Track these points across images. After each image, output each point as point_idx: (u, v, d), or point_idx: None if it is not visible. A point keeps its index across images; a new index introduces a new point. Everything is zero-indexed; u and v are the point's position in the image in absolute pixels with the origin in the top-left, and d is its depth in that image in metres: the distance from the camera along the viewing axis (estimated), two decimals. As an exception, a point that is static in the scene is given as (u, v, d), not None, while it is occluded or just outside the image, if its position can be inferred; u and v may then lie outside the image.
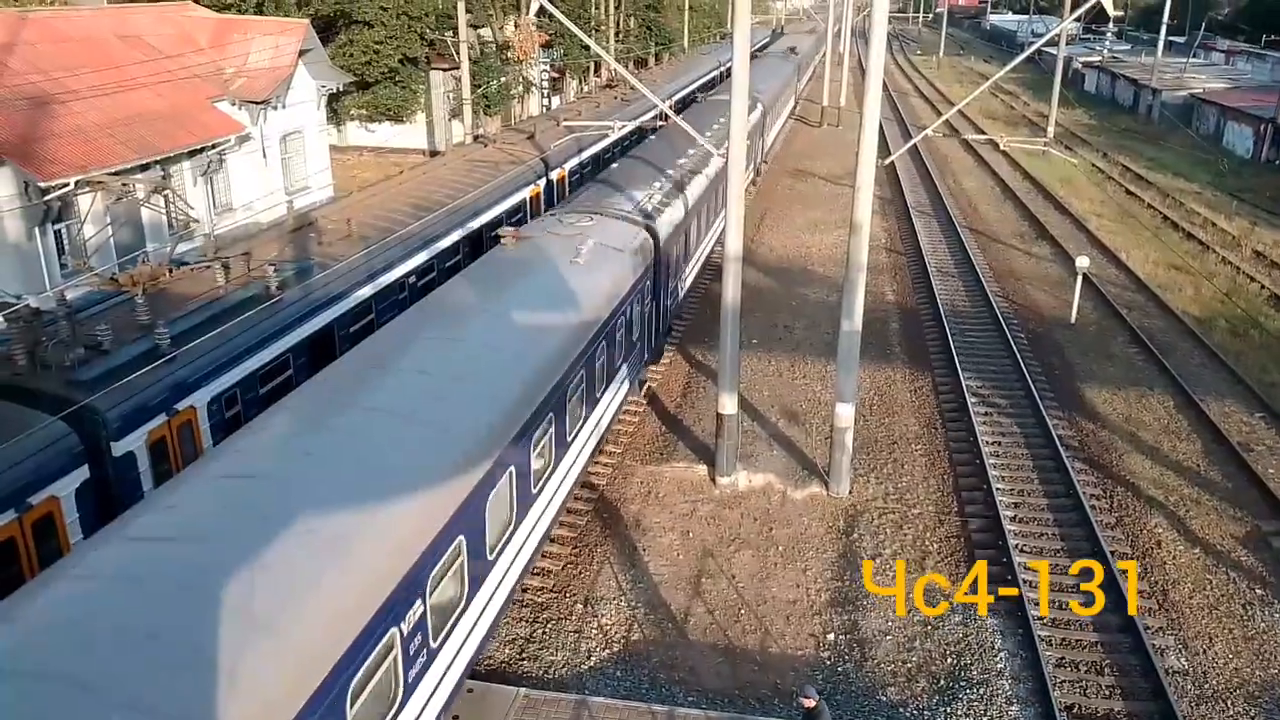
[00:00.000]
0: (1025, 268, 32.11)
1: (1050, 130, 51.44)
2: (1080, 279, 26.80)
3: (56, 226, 23.73)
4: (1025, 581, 14.98)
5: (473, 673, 11.86)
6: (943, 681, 13.22)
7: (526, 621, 14.22)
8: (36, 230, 22.93)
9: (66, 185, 22.93)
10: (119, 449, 12.18)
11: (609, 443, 18.81)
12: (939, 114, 61.92)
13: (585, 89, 63.91)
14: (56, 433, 11.37)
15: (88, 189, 23.25)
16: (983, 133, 51.47)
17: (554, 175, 28.41)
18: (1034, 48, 22.70)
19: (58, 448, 11.34)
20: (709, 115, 31.73)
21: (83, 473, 11.59)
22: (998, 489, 17.62)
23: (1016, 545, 16.03)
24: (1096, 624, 14.31)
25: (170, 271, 15.84)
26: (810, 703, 10.25)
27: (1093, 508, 17.10)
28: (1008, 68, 23.12)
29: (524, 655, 13.62)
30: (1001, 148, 25.44)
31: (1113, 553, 15.72)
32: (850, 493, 17.77)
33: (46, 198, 22.70)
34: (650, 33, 75.63)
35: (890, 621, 14.37)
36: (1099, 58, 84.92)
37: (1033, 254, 33.76)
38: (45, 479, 11.12)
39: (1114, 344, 25.15)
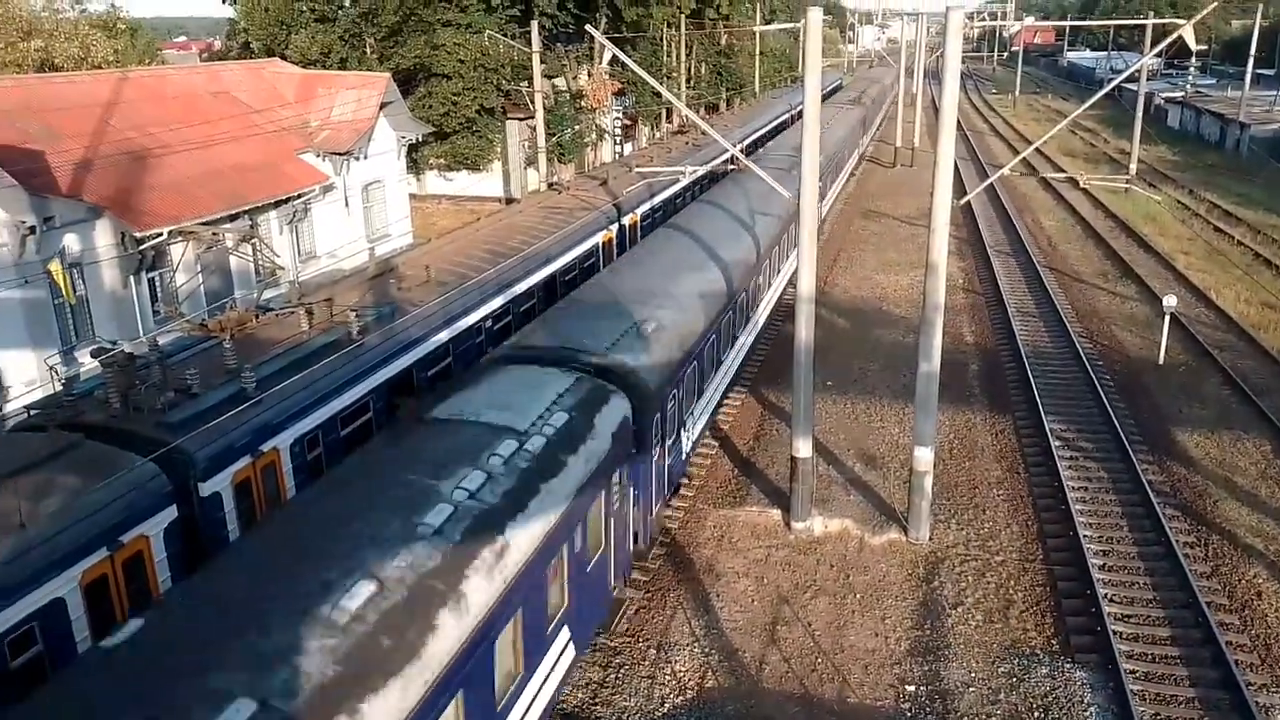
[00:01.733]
0: (1109, 307, 31.25)
1: (1133, 167, 50.45)
2: (1168, 319, 25.97)
3: (150, 275, 24.73)
4: (1115, 633, 14.40)
5: (549, 716, 11.80)
6: (1030, 737, 12.72)
7: (599, 666, 14.13)
8: (132, 278, 23.93)
9: (160, 235, 23.93)
10: (206, 489, 12.53)
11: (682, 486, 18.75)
12: (1016, 153, 61.08)
13: (657, 135, 64.63)
14: (147, 473, 11.75)
15: (180, 239, 24.24)
16: (1062, 171, 50.55)
17: (626, 220, 28.71)
18: (1114, 84, 22.27)
19: (148, 488, 11.71)
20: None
21: (171, 512, 11.94)
22: (1085, 536, 17.02)
23: (1106, 595, 15.43)
24: (1193, 678, 13.65)
25: (256, 317, 16.34)
26: None
27: (1186, 556, 16.40)
28: (1087, 104, 22.69)
29: (597, 700, 13.51)
30: (1082, 185, 24.98)
31: (1209, 604, 15.02)
32: (930, 539, 17.34)
33: (141, 247, 23.71)
34: (721, 78, 76.33)
35: (973, 673, 13.91)
36: (1182, 93, 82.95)
37: (1117, 293, 32.87)
38: (136, 518, 11.47)
39: (1205, 385, 24.24)
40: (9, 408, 20.50)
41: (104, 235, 23.19)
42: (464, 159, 50.93)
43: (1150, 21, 44.54)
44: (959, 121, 17.94)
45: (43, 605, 10.31)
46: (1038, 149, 54.46)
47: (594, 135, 57.31)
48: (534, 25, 38.88)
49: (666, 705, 13.37)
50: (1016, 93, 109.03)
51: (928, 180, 17.27)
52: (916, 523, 17.26)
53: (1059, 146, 65.89)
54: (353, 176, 33.49)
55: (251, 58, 44.14)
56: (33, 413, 13.35)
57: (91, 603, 10.89)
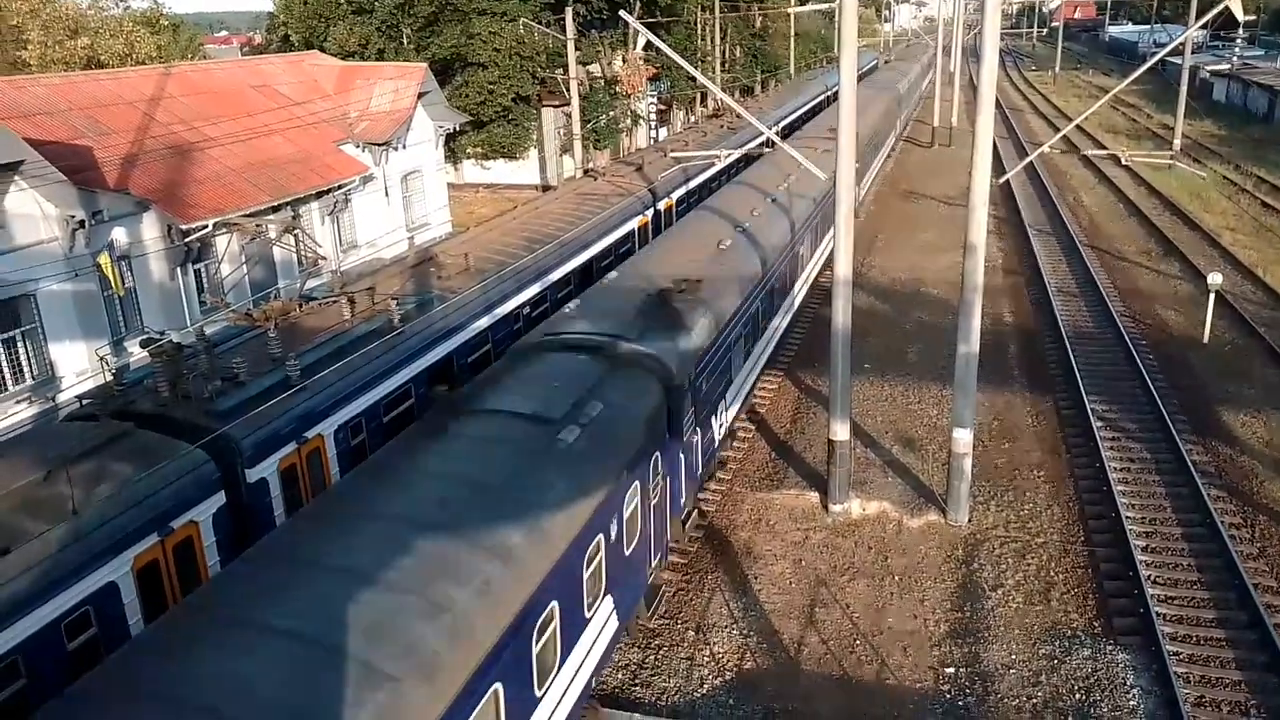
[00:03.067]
0: (1152, 286, 30.75)
1: (1177, 142, 49.45)
2: (1213, 296, 25.51)
3: (196, 266, 25.21)
4: (1159, 615, 14.27)
5: (589, 695, 11.98)
6: (1070, 719, 12.67)
7: (639, 647, 14.28)
8: (178, 270, 24.42)
9: (205, 227, 24.38)
10: (253, 476, 12.82)
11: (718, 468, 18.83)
12: (1056, 130, 60.07)
13: (692, 119, 64.43)
14: (196, 460, 12.05)
15: (224, 230, 24.67)
16: (1103, 148, 49.67)
17: (661, 205, 28.72)
18: (1157, 58, 21.86)
19: (197, 475, 12.01)
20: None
21: (219, 498, 12.24)
22: (1128, 517, 16.85)
23: (1149, 577, 15.29)
24: (1239, 661, 13.51)
25: (300, 306, 16.62)
26: None
27: (1232, 537, 16.18)
28: (1129, 80, 22.29)
29: (637, 681, 13.67)
30: (1124, 162, 24.52)
31: (1255, 585, 14.83)
32: (969, 521, 17.27)
33: (187, 239, 24.17)
34: (756, 60, 75.83)
35: (1013, 654, 13.87)
36: (1228, 65, 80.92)
37: (1160, 271, 32.33)
38: (185, 504, 11.78)
39: (1252, 365, 23.80)
40: (62, 397, 21.07)
41: (151, 228, 23.67)
42: (500, 147, 51.19)
43: (1196, -8, 43.53)
44: (998, 99, 17.70)
45: (97, 589, 10.65)
46: (1078, 126, 53.54)
47: (629, 121, 57.27)
48: (568, 12, 38.95)
49: (705, 686, 13.50)
50: (1056, 69, 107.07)
51: (966, 159, 17.10)
52: (955, 505, 17.19)
53: (1100, 123, 64.71)
54: (392, 166, 33.81)
55: (291, 51, 44.69)
56: (84, 402, 13.72)
57: (143, 587, 11.22)
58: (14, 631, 9.75)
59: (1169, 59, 72.64)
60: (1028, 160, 22.32)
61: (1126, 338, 25.27)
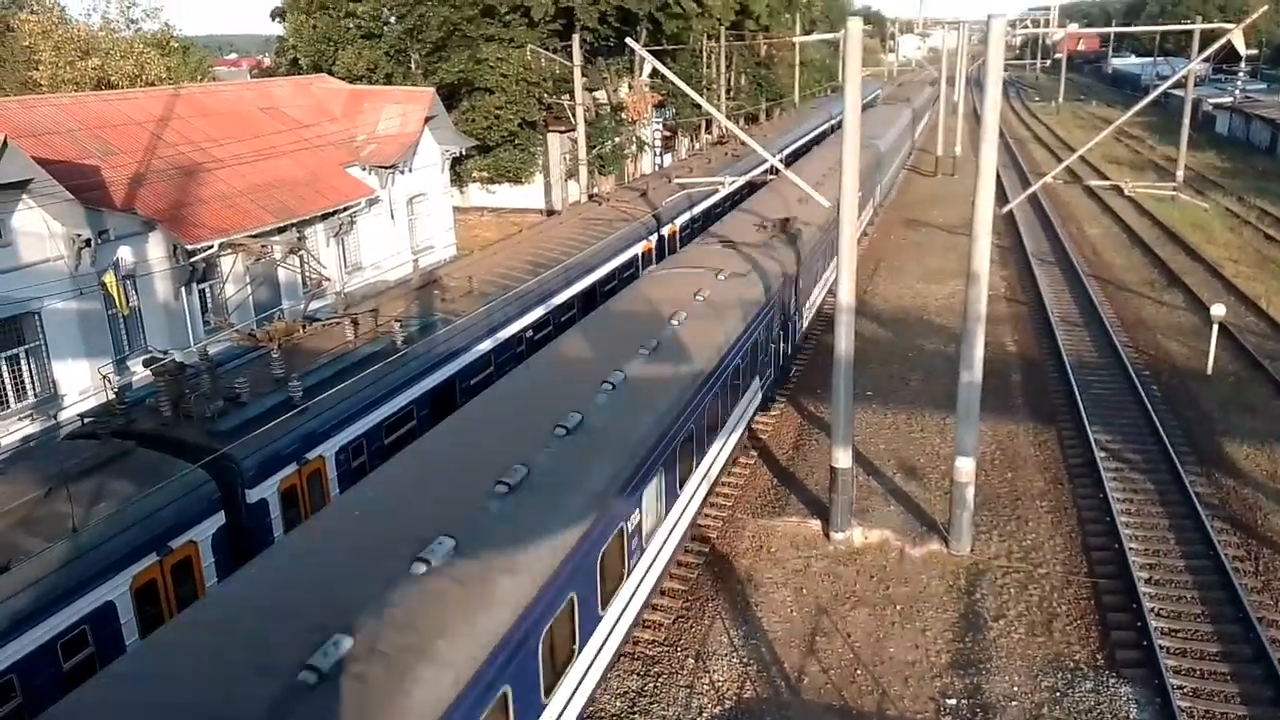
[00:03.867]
0: (1155, 317, 30.76)
1: (1179, 174, 49.61)
2: (1216, 328, 25.51)
3: (201, 286, 25.30)
4: (1162, 648, 14.16)
5: (585, 724, 11.88)
6: (1074, 751, 12.55)
7: (638, 675, 14.18)
8: (183, 290, 24.50)
9: (210, 248, 24.49)
10: (253, 496, 12.80)
11: (717, 494, 18.75)
12: (1059, 160, 60.34)
13: (697, 145, 64.76)
14: (196, 480, 12.04)
15: (229, 251, 24.77)
16: (1106, 179, 49.84)
17: (665, 231, 28.84)
18: (1160, 90, 21.97)
19: (197, 495, 12.00)
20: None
21: (219, 519, 12.22)
22: (1131, 549, 16.76)
23: (1152, 609, 15.18)
24: (1243, 695, 13.39)
25: (304, 327, 16.67)
26: None
27: (1236, 570, 16.08)
28: (1132, 111, 22.38)
29: (635, 709, 13.56)
30: (1127, 193, 24.61)
31: (1260, 619, 14.72)
32: (972, 550, 17.18)
33: (192, 259, 24.27)
34: (761, 88, 76.31)
35: (1015, 686, 13.76)
36: (1231, 99, 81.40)
37: (1164, 303, 32.34)
38: (185, 524, 11.77)
39: (1255, 397, 23.74)
40: (64, 415, 21.08)
41: (156, 248, 23.77)
42: (506, 172, 51.46)
43: (1198, 26, 43.66)
44: (1001, 129, 17.78)
45: (95, 608, 10.61)
46: (1082, 156, 53.79)
47: (634, 147, 57.59)
48: (575, 39, 39.24)
49: (705, 715, 13.38)
50: (1060, 100, 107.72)
51: (970, 189, 17.15)
52: (958, 534, 17.11)
53: (1103, 154, 64.98)
54: (398, 189, 33.99)
55: (300, 74, 45.01)
56: (87, 420, 13.74)
57: (141, 606, 11.17)
58: (10, 650, 9.70)
59: (1172, 91, 73.15)
60: (1031, 190, 22.39)
61: (1130, 368, 25.24)
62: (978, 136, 16.94)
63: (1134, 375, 24.68)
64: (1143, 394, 23.35)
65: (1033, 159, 69.05)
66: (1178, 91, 69.46)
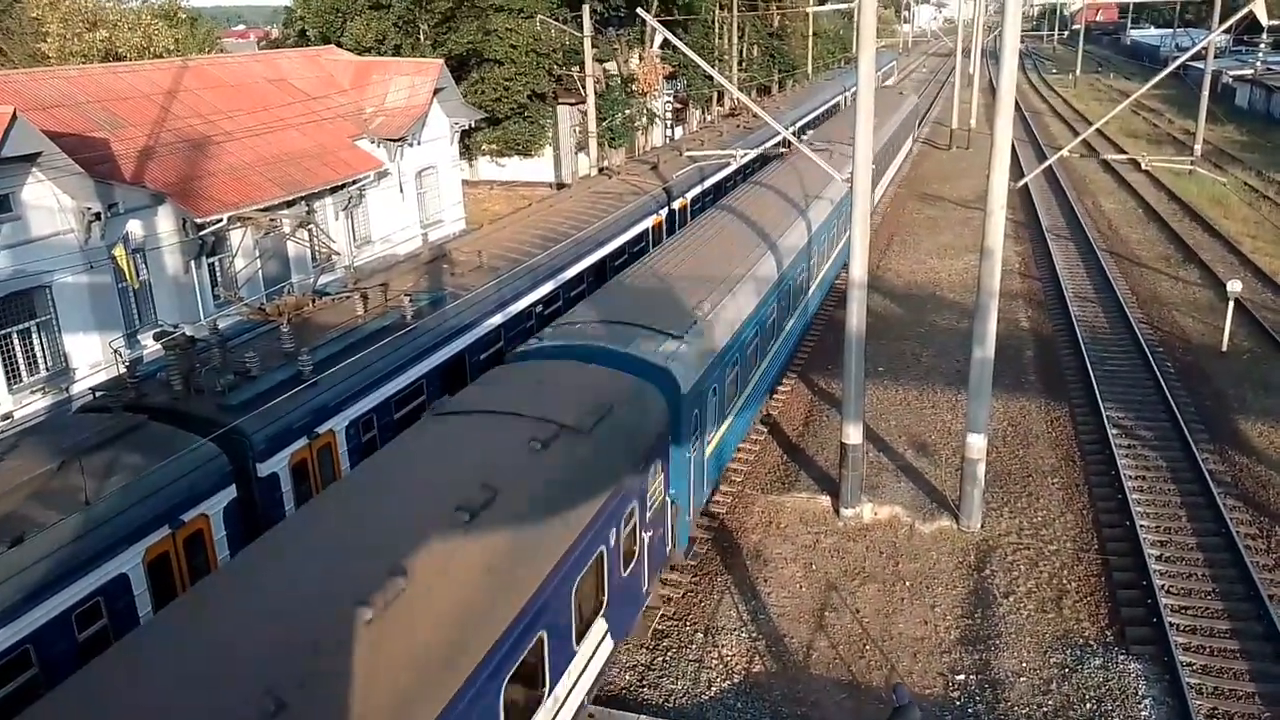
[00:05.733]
0: (1171, 293, 30.50)
1: (1197, 148, 49.03)
2: (1232, 304, 25.29)
3: (210, 260, 25.28)
4: (1172, 625, 14.13)
5: (594, 698, 11.94)
6: (1082, 728, 12.56)
7: (647, 649, 14.23)
8: (192, 263, 24.49)
9: (220, 221, 24.44)
10: (264, 470, 12.84)
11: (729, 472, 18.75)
12: (1076, 134, 59.70)
13: (708, 118, 64.30)
14: (208, 454, 12.07)
15: (239, 224, 24.74)
16: (1123, 152, 49.32)
17: (676, 204, 28.66)
18: (1179, 62, 21.67)
19: (208, 468, 12.03)
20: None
21: (230, 492, 12.25)
22: (1142, 525, 16.70)
23: (1163, 586, 15.14)
24: (1253, 673, 13.35)
25: (313, 301, 16.65)
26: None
27: (1248, 548, 16.02)
28: (1150, 84, 22.07)
29: (644, 682, 13.62)
30: (1144, 167, 24.33)
31: (1271, 597, 14.67)
32: (982, 527, 17.15)
33: (202, 233, 24.24)
34: (773, 60, 75.63)
35: (1024, 662, 13.76)
36: (1251, 71, 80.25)
37: (1179, 278, 32.06)
38: (197, 498, 11.80)
39: (1271, 373, 23.56)
40: (75, 389, 21.17)
41: (166, 221, 23.75)
42: (515, 144, 51.21)
43: (1219, -3, 43.10)
44: (1017, 102, 17.57)
45: (109, 580, 10.67)
46: (1098, 130, 53.21)
47: (645, 119, 57.20)
48: (585, 9, 38.88)
49: (713, 689, 13.44)
50: (1077, 72, 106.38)
51: (984, 162, 16.97)
52: (968, 510, 17.08)
53: (1120, 128, 64.24)
54: (407, 162, 33.84)
55: (308, 45, 44.79)
56: (98, 394, 13.77)
57: (154, 579, 11.23)
58: (25, 621, 9.77)
59: (1191, 63, 72.08)
60: (1047, 164, 22.19)
61: (1144, 344, 25.06)
62: (993, 109, 16.74)
63: (1148, 351, 24.51)
64: (1156, 370, 23.19)
65: (1049, 132, 68.35)
66: (1197, 64, 68.42)
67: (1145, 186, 46.50)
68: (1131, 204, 44.21)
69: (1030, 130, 67.35)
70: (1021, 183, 20.06)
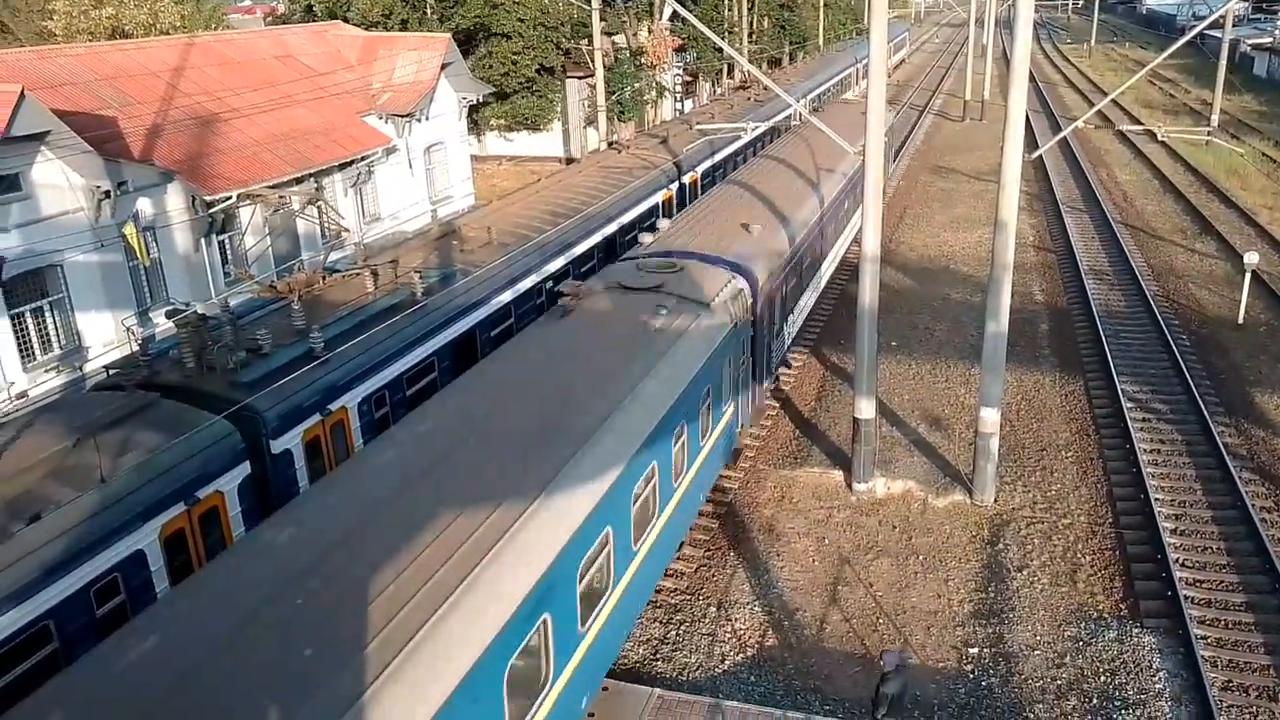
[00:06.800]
0: (1187, 265, 30.23)
1: (1214, 118, 48.46)
2: (1249, 276, 25.04)
3: (220, 238, 25.28)
4: (1187, 598, 14.10)
5: (609, 672, 11.98)
6: (1095, 701, 12.56)
7: (660, 623, 14.28)
8: (203, 241, 24.49)
9: (229, 199, 24.40)
10: (277, 447, 12.86)
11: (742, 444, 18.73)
12: (1091, 105, 59.04)
13: (719, 91, 63.78)
14: (221, 431, 12.10)
15: (248, 202, 24.68)
16: (1139, 123, 48.78)
17: (686, 179, 28.47)
18: (1196, 31, 21.35)
19: (222, 445, 12.06)
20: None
21: (244, 469, 12.29)
22: (1156, 499, 16.64)
23: (1177, 559, 15.10)
24: (1268, 646, 13.33)
25: (323, 279, 16.62)
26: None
27: (1264, 521, 15.94)
28: (1166, 53, 21.76)
29: (658, 656, 13.67)
30: (1160, 138, 24.02)
31: (1287, 570, 14.61)
32: (995, 501, 17.11)
33: (211, 211, 24.21)
34: (784, 32, 74.88)
35: (1038, 636, 13.76)
36: (1270, 39, 79.11)
37: (1195, 250, 31.76)
38: (211, 474, 11.85)
39: (1288, 345, 23.38)
40: (89, 367, 21.24)
41: (175, 199, 23.73)
42: (524, 119, 50.85)
43: (1237, -36, 42.47)
44: (1031, 73, 17.33)
45: (126, 556, 10.73)
46: (1114, 100, 52.59)
47: (654, 93, 56.75)
48: (594, -19, 38.43)
49: (727, 662, 13.48)
50: (1092, 41, 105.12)
51: (997, 134, 16.79)
52: (981, 485, 17.03)
53: (1136, 98, 63.52)
54: (415, 138, 33.69)
55: (314, 21, 44.48)
56: (111, 372, 13.80)
57: (170, 554, 11.30)
58: (46, 596, 9.85)
59: (1208, 32, 71.12)
60: (1061, 135, 21.93)
61: (1159, 317, 24.87)
62: (1006, 80, 16.53)
63: (1163, 324, 24.33)
64: (1172, 343, 23.02)
65: (1063, 103, 67.63)
66: (1214, 32, 67.52)
67: (1161, 157, 46.01)
68: (1147, 175, 43.78)
69: (1045, 101, 66.66)
70: (1036, 154, 19.85)
